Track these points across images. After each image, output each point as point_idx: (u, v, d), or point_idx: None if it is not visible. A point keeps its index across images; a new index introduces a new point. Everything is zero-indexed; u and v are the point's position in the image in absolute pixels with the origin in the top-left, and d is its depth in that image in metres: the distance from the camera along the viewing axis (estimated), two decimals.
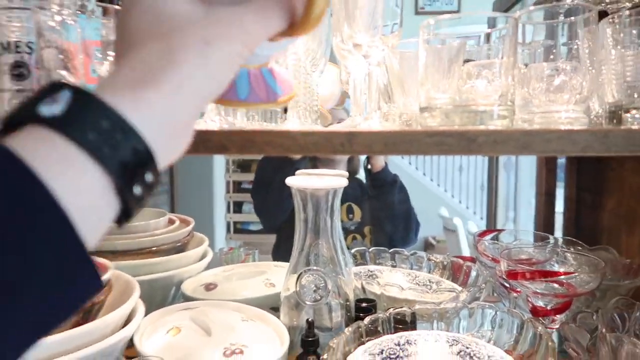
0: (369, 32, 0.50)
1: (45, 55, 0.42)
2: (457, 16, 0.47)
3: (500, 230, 0.91)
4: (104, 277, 0.64)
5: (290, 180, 0.68)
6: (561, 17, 0.52)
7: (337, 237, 0.75)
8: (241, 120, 0.51)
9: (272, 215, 1.53)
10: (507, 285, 0.78)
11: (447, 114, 0.44)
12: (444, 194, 5.05)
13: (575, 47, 0.50)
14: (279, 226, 1.53)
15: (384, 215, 1.55)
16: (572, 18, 0.49)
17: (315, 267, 0.69)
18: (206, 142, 0.39)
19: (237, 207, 3.30)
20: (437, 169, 5.13)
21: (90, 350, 0.53)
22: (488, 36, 0.49)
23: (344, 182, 0.69)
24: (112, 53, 0.51)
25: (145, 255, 0.84)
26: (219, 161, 3.18)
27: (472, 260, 0.96)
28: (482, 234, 0.87)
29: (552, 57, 0.51)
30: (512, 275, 0.66)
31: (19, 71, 0.45)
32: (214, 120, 0.47)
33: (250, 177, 3.25)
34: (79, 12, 0.50)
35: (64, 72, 0.44)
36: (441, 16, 0.45)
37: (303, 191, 0.68)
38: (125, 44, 0.28)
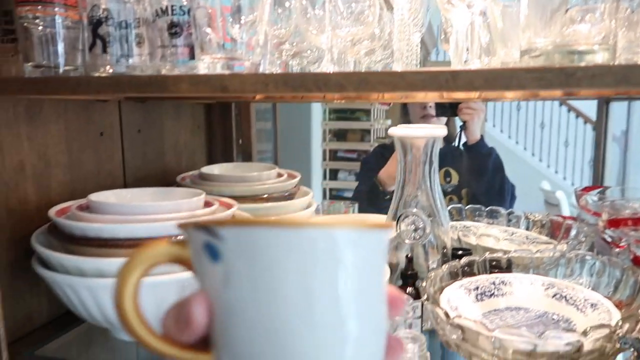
0: None
1: (197, 15, 0.51)
2: None
3: (605, 187, 0.90)
4: (229, 212, 0.74)
5: (392, 130, 0.74)
6: None
7: (436, 188, 0.80)
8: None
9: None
10: (609, 239, 0.78)
11: (547, 55, 0.46)
12: (546, 169, 4.78)
13: None
14: None
15: (477, 185, 1.57)
16: None
17: (415, 209, 0.75)
18: (326, 82, 0.46)
19: (333, 174, 3.42)
20: (540, 143, 4.86)
21: None
22: None
23: (443, 132, 0.73)
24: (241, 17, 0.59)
25: (259, 201, 0.94)
26: (317, 130, 3.30)
27: (574, 219, 0.96)
28: (585, 189, 0.87)
29: None
30: (614, 223, 0.67)
31: (174, 30, 0.55)
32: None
33: (346, 145, 3.34)
34: None
35: (209, 30, 0.53)
36: None
37: (404, 140, 0.74)
38: None
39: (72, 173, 0.80)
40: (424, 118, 1.54)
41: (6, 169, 0.69)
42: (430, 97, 0.74)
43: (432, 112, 1.54)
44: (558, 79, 0.41)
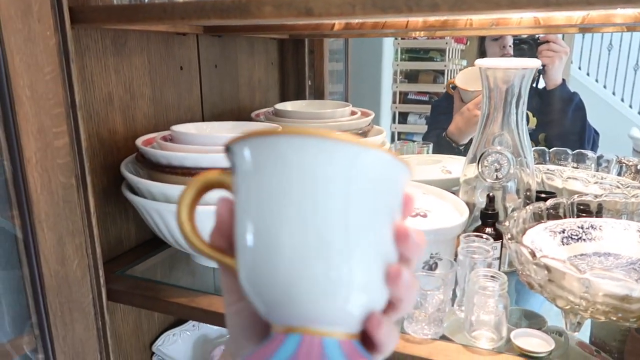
0: None
1: None
2: None
3: None
4: None
5: (480, 62, 0.69)
6: None
7: (523, 127, 0.75)
8: None
9: None
10: None
11: None
12: (636, 116, 4.40)
13: None
14: None
15: (555, 130, 1.47)
16: None
17: (499, 147, 0.71)
18: (418, 1, 0.43)
19: (402, 118, 3.33)
20: (632, 88, 4.44)
21: None
22: None
23: (536, 63, 0.67)
24: None
25: None
26: (387, 72, 3.20)
27: None
28: None
29: None
30: None
31: None
32: None
33: (417, 87, 3.22)
34: None
35: None
36: None
37: (492, 73, 0.69)
38: None
39: (155, 106, 0.83)
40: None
41: (97, 100, 0.72)
42: (525, 24, 0.68)
43: (511, 51, 1.44)
44: None
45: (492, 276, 0.55)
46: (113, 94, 0.74)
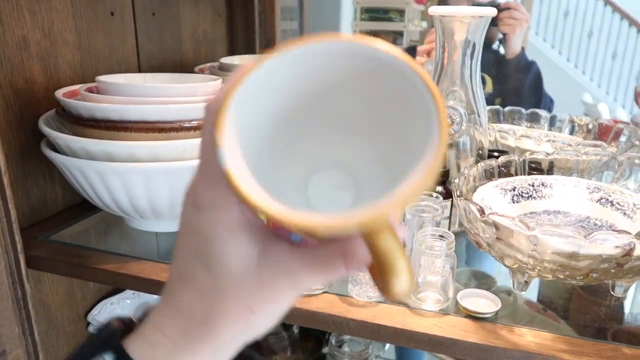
0: None
1: None
2: None
3: None
4: None
5: (434, 9, 0.65)
6: None
7: (477, 82, 0.72)
8: None
9: None
10: None
11: None
12: (588, 82, 4.52)
13: None
14: None
15: (512, 97, 1.47)
16: None
17: (452, 102, 0.67)
18: None
19: None
20: (585, 55, 4.54)
21: None
22: None
23: (492, 12, 0.63)
24: None
25: None
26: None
27: (625, 123, 0.87)
28: None
29: None
30: None
31: None
32: None
33: (379, 26, 3.10)
34: None
35: None
36: None
37: (446, 21, 0.64)
38: (172, 272, 0.27)
39: (81, 54, 0.74)
40: None
41: (8, 44, 0.63)
42: None
43: None
44: None
45: (440, 236, 0.53)
46: (29, 39, 0.66)
